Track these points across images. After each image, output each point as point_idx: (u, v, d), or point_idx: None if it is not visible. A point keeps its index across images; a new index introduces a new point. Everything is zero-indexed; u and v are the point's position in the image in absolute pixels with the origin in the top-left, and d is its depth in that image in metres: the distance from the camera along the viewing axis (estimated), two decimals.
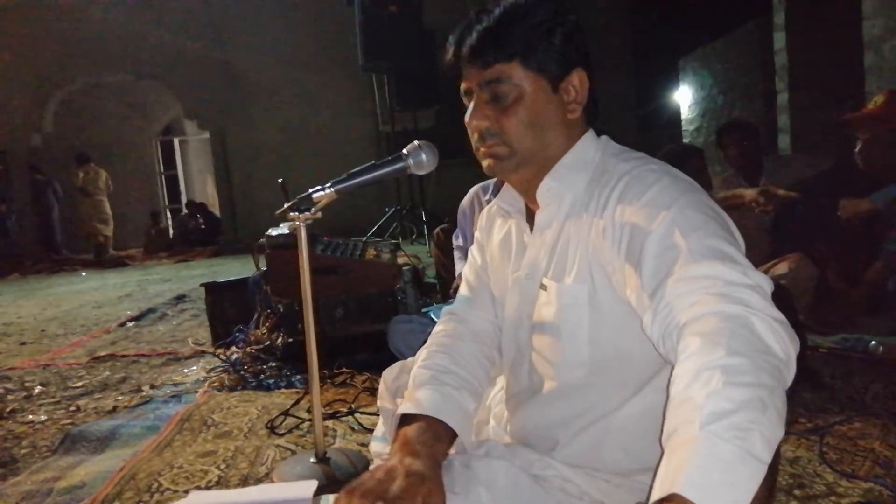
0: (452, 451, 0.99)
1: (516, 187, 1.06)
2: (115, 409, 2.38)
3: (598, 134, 1.03)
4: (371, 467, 0.86)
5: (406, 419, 0.97)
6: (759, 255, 2.93)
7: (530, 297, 1.02)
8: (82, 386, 2.73)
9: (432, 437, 0.92)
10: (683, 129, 10.14)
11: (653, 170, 0.91)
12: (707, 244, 0.79)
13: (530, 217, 1.05)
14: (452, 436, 0.96)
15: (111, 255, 9.98)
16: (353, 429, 1.97)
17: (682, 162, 2.66)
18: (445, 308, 1.21)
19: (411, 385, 1.04)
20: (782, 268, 2.72)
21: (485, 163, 1.00)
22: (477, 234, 1.20)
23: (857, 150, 2.76)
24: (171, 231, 11.92)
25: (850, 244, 2.78)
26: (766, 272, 2.66)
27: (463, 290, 1.21)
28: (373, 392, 2.21)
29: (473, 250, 1.21)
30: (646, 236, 0.83)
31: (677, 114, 10.47)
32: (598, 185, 0.94)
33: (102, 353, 3.27)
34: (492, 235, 1.16)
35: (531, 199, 1.02)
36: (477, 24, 0.96)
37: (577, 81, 0.96)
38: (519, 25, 0.94)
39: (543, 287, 0.99)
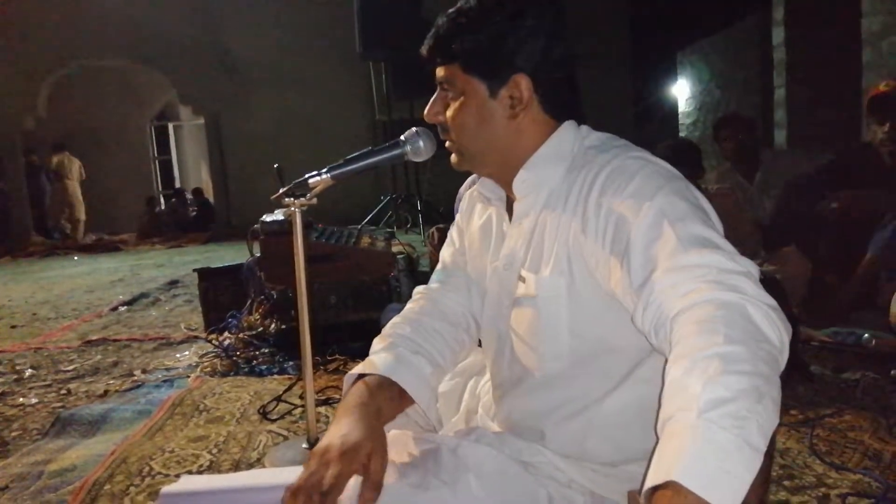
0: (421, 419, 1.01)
1: (493, 180, 1.06)
2: (106, 393, 2.37)
3: (591, 123, 1.02)
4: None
5: (358, 380, 0.99)
6: (751, 249, 2.93)
7: (509, 287, 1.02)
8: (73, 370, 2.72)
9: (376, 389, 0.95)
10: (680, 122, 10.16)
11: (634, 158, 0.91)
12: (694, 232, 0.79)
13: (510, 205, 1.04)
14: (402, 395, 0.99)
15: (99, 239, 9.98)
16: None
17: (678, 158, 2.66)
18: (418, 287, 1.21)
19: (371, 353, 1.06)
20: (776, 262, 2.73)
21: (451, 157, 1.04)
22: (458, 216, 1.20)
23: (885, 132, 2.74)
24: (164, 216, 11.88)
25: (843, 238, 2.79)
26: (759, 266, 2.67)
27: (438, 270, 1.21)
28: None
29: (452, 232, 1.20)
30: (631, 227, 0.82)
31: (675, 108, 10.48)
32: (577, 177, 0.93)
33: (94, 338, 3.26)
34: (472, 220, 1.16)
35: (509, 190, 1.02)
36: (437, 26, 0.98)
37: (515, 87, 0.95)
38: (465, 31, 0.95)
39: (522, 278, 0.98)
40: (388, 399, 0.97)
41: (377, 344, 1.07)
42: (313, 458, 0.84)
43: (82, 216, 10.40)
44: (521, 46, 0.94)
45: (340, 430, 0.87)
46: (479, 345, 1.19)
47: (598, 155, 0.94)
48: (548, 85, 0.97)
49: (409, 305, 1.17)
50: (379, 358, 1.02)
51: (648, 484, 0.60)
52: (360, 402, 0.92)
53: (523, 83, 0.95)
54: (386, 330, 1.11)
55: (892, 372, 1.81)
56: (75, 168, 10.24)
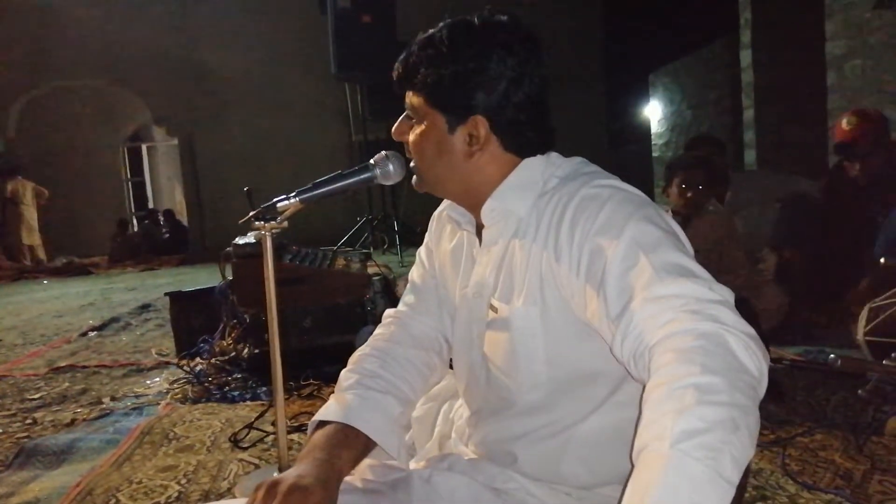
0: (397, 460, 0.98)
1: (458, 204, 1.06)
2: (73, 421, 2.31)
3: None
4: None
5: (320, 425, 0.97)
6: (742, 278, 2.93)
7: (479, 315, 1.01)
8: (40, 398, 2.65)
9: (337, 446, 0.92)
10: (653, 143, 10.31)
11: (603, 185, 0.90)
12: (669, 261, 0.79)
13: (480, 230, 1.03)
14: (368, 440, 0.96)
15: (69, 262, 9.79)
16: None
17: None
18: (387, 311, 1.20)
19: (336, 389, 1.04)
20: (753, 295, 2.76)
21: (413, 179, 1.05)
22: (426, 237, 1.19)
23: (857, 171, 2.97)
24: (136, 239, 11.70)
25: (837, 255, 2.91)
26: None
27: (407, 293, 1.20)
28: None
29: (421, 252, 1.20)
30: (606, 258, 0.82)
31: (647, 129, 10.64)
32: (547, 205, 0.93)
33: (62, 364, 3.18)
34: (441, 241, 1.15)
35: (478, 217, 1.01)
36: (407, 52, 0.99)
37: (473, 127, 0.95)
38: (431, 63, 0.95)
39: (493, 308, 0.98)
40: (352, 450, 0.94)
41: (345, 379, 1.05)
42: (261, 488, 0.82)
43: (37, 241, 10.15)
44: (481, 88, 0.94)
45: (297, 471, 0.85)
46: (451, 366, 1.18)
47: (567, 183, 0.94)
48: (508, 126, 0.96)
49: (378, 331, 1.16)
50: (345, 401, 0.99)
51: None
52: (321, 456, 0.89)
53: (481, 124, 0.95)
54: (354, 362, 1.09)
55: (860, 391, 1.84)
56: (29, 193, 10.00)
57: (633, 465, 0.64)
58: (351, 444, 0.93)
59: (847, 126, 2.95)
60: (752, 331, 0.72)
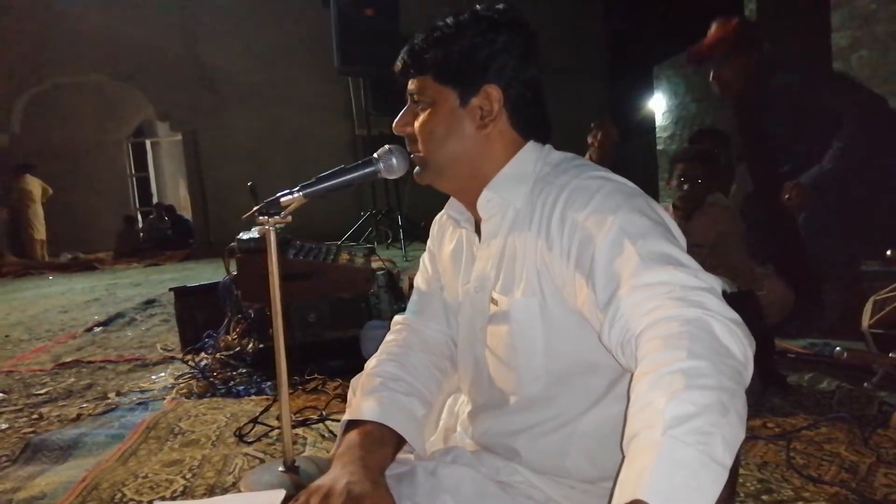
0: (410, 456, 0.99)
1: (457, 198, 1.07)
2: (79, 416, 2.32)
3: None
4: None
5: (352, 425, 0.97)
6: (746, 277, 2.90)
7: (481, 310, 1.01)
8: (46, 393, 2.66)
9: (375, 443, 0.92)
10: (657, 136, 10.27)
11: (594, 177, 0.91)
12: (656, 250, 0.80)
13: (479, 227, 1.04)
14: (399, 440, 0.96)
15: (74, 258, 9.84)
16: (323, 436, 1.94)
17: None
18: (396, 318, 1.21)
19: (360, 392, 1.04)
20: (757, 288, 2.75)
21: (415, 171, 1.04)
22: (429, 242, 1.20)
23: (710, 79, 2.94)
24: (141, 234, 11.75)
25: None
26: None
27: (414, 299, 1.20)
28: (344, 399, 2.18)
29: (425, 258, 1.20)
30: (594, 247, 0.83)
31: (652, 122, 10.59)
32: (540, 197, 0.94)
33: (68, 360, 3.20)
34: (443, 244, 1.16)
35: (474, 211, 1.02)
36: (412, 41, 1.00)
37: (486, 97, 0.97)
38: (440, 43, 0.97)
39: (494, 301, 0.98)
40: (388, 447, 0.94)
41: (367, 382, 1.04)
42: (315, 495, 0.81)
43: (42, 236, 10.21)
44: (493, 59, 0.96)
45: (345, 476, 0.84)
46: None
47: (559, 175, 0.95)
48: (517, 100, 0.98)
49: (389, 337, 1.16)
50: (375, 402, 0.99)
51: (615, 503, 0.60)
52: (362, 454, 0.89)
53: (494, 94, 0.97)
54: (373, 367, 1.09)
55: (865, 384, 1.83)
56: (38, 189, 10.07)
57: (623, 454, 0.64)
58: (386, 441, 0.94)
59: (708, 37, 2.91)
60: (736, 317, 0.73)
